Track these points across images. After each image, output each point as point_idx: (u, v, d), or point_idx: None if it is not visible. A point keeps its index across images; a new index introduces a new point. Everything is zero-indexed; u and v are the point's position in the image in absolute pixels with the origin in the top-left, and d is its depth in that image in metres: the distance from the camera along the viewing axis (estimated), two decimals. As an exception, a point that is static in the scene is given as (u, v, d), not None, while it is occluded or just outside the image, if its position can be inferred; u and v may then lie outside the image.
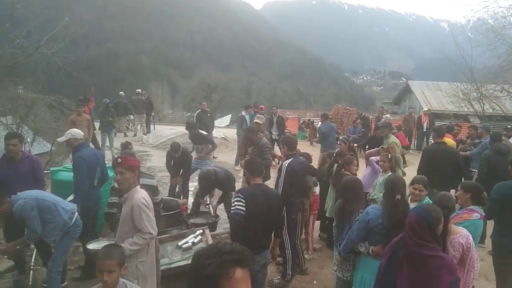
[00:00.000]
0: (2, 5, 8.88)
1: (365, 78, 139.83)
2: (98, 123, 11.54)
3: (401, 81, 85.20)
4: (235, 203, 3.46)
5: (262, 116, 8.51)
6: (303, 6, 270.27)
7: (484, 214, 3.58)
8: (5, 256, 4.30)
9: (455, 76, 21.46)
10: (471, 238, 3.04)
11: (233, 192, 5.81)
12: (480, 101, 19.69)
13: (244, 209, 3.40)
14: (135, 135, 14.87)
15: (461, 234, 3.05)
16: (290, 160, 4.65)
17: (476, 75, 19.99)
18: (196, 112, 12.09)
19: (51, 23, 13.91)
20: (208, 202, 6.34)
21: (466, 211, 3.51)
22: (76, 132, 5.01)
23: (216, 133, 12.53)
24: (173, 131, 13.98)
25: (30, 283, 4.28)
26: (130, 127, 16.24)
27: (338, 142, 7.12)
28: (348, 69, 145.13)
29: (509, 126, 8.49)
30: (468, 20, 23.81)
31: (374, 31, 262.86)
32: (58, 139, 4.89)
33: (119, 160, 3.21)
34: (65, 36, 9.54)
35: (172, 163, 7.00)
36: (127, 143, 6.67)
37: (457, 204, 3.69)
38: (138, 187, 3.29)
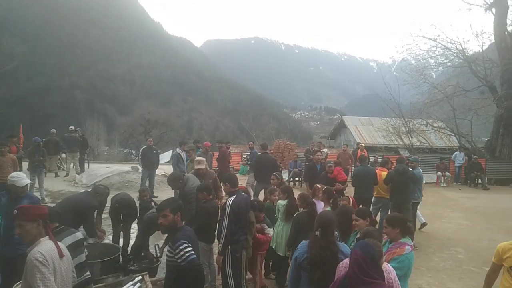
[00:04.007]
0: None
1: (303, 114, 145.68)
2: (27, 163, 10.68)
3: (335, 117, 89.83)
4: (186, 249, 3.25)
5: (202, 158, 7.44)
6: (242, 45, 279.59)
7: (412, 244, 3.61)
8: None
9: (385, 112, 23.11)
10: (393, 273, 2.91)
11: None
12: (408, 134, 21.29)
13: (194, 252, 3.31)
14: (67, 174, 13.90)
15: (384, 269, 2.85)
16: (233, 197, 4.58)
17: (404, 111, 21.75)
18: (142, 148, 11.64)
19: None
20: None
21: (397, 245, 3.50)
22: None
23: (157, 170, 12.10)
24: (109, 170, 13.27)
25: None
26: (62, 166, 15.22)
27: (271, 177, 7.05)
28: (287, 105, 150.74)
29: (410, 158, 9.12)
30: (394, 60, 26.07)
31: (310, 70, 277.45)
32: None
33: (16, 211, 2.82)
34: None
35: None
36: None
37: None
38: (45, 238, 2.83)
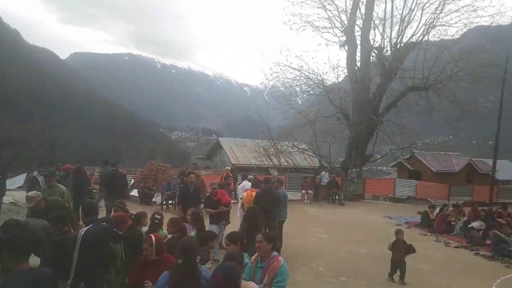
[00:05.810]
0: None
1: (180, 134, 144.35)
2: None
3: (212, 137, 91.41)
4: None
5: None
6: (115, 61, 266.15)
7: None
8: None
9: (257, 134, 24.47)
10: None
11: None
12: (277, 155, 22.85)
13: None
14: None
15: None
16: (87, 227, 4.16)
17: (273, 134, 23.36)
18: None
19: None
20: None
21: (272, 260, 3.71)
22: None
23: (5, 197, 10.34)
24: None
25: None
26: None
27: (113, 208, 6.39)
28: (164, 124, 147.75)
29: (273, 180, 9.62)
30: (265, 86, 27.85)
31: (187, 90, 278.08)
32: None
33: None
34: None
35: None
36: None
37: None
38: None
